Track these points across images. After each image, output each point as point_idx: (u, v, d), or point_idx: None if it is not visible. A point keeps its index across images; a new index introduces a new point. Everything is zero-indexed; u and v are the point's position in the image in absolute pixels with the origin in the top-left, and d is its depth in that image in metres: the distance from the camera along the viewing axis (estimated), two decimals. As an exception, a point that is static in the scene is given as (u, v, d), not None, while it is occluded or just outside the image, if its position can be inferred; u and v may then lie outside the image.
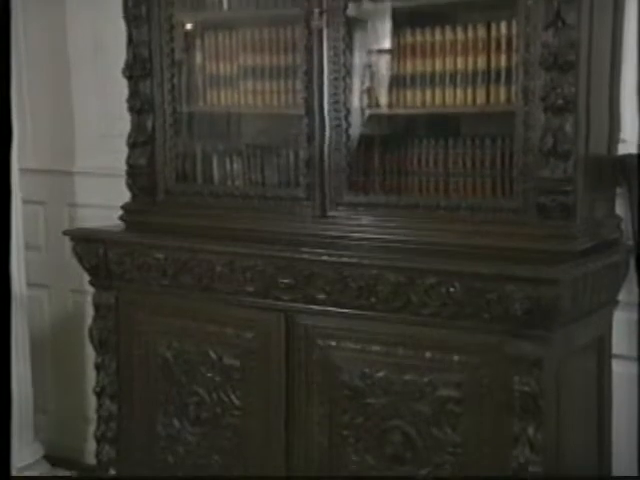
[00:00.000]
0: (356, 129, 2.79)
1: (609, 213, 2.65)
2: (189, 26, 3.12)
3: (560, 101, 2.37)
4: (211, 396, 2.87)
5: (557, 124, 2.39)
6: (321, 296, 2.60)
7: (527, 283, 2.26)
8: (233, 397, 2.82)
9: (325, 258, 2.60)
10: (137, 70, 3.03)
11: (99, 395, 3.08)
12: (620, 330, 2.67)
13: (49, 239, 3.89)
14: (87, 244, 3.01)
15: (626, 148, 2.64)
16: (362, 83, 2.81)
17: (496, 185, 2.63)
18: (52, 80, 3.80)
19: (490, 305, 2.33)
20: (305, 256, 2.63)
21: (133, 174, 3.09)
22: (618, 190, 2.66)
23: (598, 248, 2.50)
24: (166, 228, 3.00)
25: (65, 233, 3.12)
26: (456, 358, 2.43)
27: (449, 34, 2.67)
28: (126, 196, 3.14)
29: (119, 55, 3.08)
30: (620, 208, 2.66)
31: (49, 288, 3.93)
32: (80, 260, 3.05)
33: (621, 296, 2.66)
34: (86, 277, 3.10)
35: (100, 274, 3.02)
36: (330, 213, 2.78)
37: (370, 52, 2.82)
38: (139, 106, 3.04)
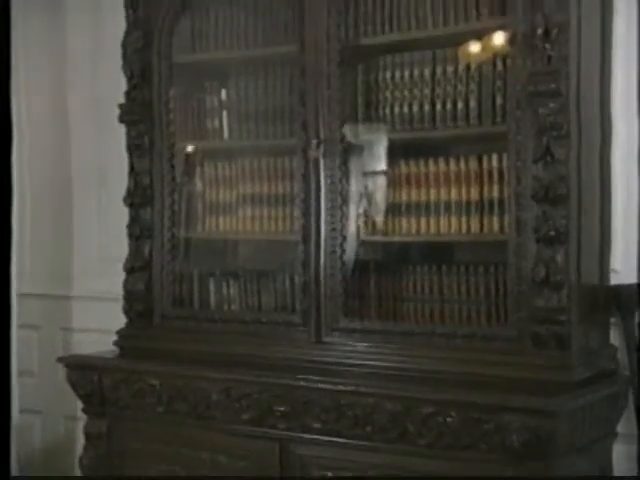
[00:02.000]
0: (352, 255, 2.84)
1: (604, 343, 2.66)
2: (190, 155, 3.21)
3: (552, 232, 2.42)
4: (201, 529, 2.79)
5: (549, 255, 2.43)
6: (317, 425, 2.57)
7: (525, 414, 2.25)
8: (225, 530, 2.74)
9: (321, 386, 2.59)
10: (138, 197, 3.10)
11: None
12: (620, 463, 2.63)
13: (43, 364, 3.84)
14: (81, 371, 3.00)
15: (618, 279, 2.67)
16: (358, 210, 2.88)
17: (491, 313, 2.65)
18: (54, 206, 3.87)
19: (487, 436, 2.31)
20: (301, 383, 2.62)
21: (130, 299, 3.11)
22: (612, 320, 2.68)
23: (595, 379, 2.49)
24: (162, 353, 3.00)
25: (59, 360, 3.10)
26: (454, 491, 2.38)
27: (442, 165, 2.76)
28: (122, 319, 3.14)
29: (121, 182, 3.16)
30: (615, 338, 2.68)
31: (41, 414, 3.87)
32: (74, 387, 3.02)
33: (620, 428, 2.63)
34: (80, 403, 3.07)
35: (94, 401, 2.98)
36: (326, 339, 2.78)
37: (366, 181, 2.90)
38: (138, 232, 3.10)
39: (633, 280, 2.63)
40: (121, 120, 3.10)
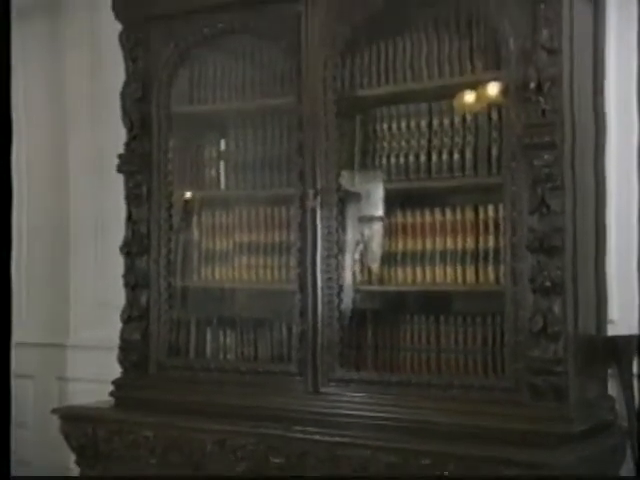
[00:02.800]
0: (348, 305, 2.83)
1: (602, 394, 2.65)
2: (187, 204, 3.23)
3: (548, 283, 2.43)
4: None
5: (546, 305, 2.43)
6: (313, 477, 2.54)
7: (524, 468, 2.23)
8: None
9: (317, 437, 2.57)
10: (135, 246, 3.10)
11: None
12: (620, 515, 2.60)
13: (36, 415, 3.80)
14: (76, 423, 2.98)
15: (615, 329, 2.67)
16: (354, 260, 2.89)
17: (488, 363, 2.64)
18: (51, 253, 3.87)
19: (485, 489, 2.29)
20: (297, 435, 2.61)
21: (126, 349, 3.09)
22: (609, 371, 2.67)
23: (593, 430, 2.47)
24: (157, 404, 2.97)
25: (54, 412, 3.08)
26: None
27: (439, 215, 2.78)
28: (118, 368, 3.12)
29: (118, 231, 3.16)
30: (613, 389, 2.66)
31: (32, 466, 3.81)
32: (67, 439, 2.99)
33: (619, 480, 2.61)
34: (72, 454, 3.03)
35: (87, 453, 2.96)
36: (322, 389, 2.77)
37: (363, 230, 2.91)
38: (134, 281, 3.09)
39: (630, 331, 2.63)
40: (120, 170, 3.12)
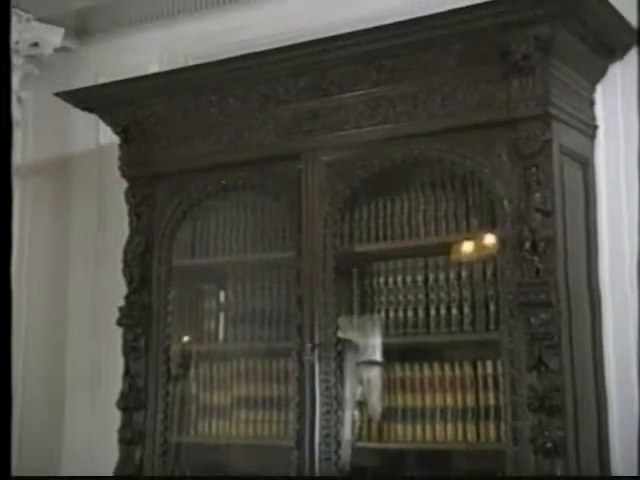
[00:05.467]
0: (346, 462, 2.77)
1: None
2: (185, 356, 3.21)
3: (549, 444, 2.39)
4: None
5: (547, 467, 2.39)
6: None
7: None
8: None
9: None
10: (131, 401, 3.05)
11: None
12: None
13: None
14: None
15: (620, 489, 2.61)
16: (353, 415, 2.84)
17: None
18: (45, 407, 3.79)
19: None
20: None
21: (118, 512, 3.00)
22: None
23: None
24: None
25: None
26: None
27: (437, 370, 2.76)
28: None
29: (115, 384, 3.12)
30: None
31: None
32: None
33: None
34: None
35: None
36: None
37: (361, 384, 2.89)
38: (130, 437, 3.03)
39: (634, 488, 2.57)
40: (119, 324, 3.11)
